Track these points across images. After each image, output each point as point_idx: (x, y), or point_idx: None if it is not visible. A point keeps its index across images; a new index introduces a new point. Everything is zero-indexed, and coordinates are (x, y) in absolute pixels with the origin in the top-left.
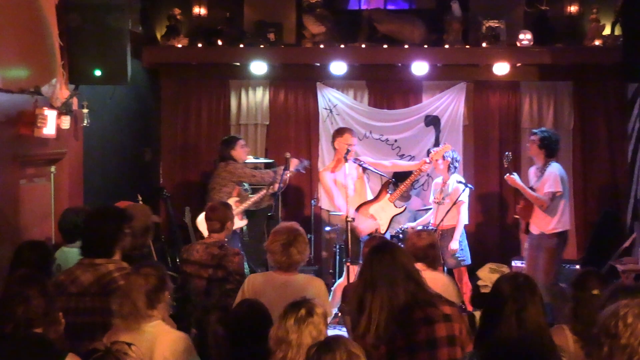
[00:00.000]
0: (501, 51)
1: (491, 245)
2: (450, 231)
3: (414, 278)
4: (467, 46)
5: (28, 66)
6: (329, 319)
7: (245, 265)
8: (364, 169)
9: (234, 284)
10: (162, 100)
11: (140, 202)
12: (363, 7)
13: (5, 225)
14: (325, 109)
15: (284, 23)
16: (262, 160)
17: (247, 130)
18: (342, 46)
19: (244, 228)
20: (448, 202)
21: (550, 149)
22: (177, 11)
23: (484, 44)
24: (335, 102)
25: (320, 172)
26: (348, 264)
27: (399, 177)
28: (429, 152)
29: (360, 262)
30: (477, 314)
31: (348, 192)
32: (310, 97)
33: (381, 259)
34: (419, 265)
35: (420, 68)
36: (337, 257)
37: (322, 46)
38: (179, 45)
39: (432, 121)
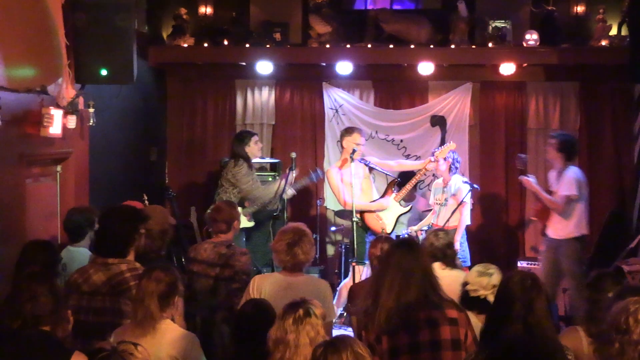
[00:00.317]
0: (507, 51)
1: (496, 245)
2: (452, 232)
3: (429, 279)
4: (473, 46)
5: (34, 65)
6: (335, 319)
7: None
8: (370, 169)
9: (240, 283)
10: (168, 99)
11: (147, 202)
12: (369, 7)
13: (11, 224)
14: (331, 108)
15: (290, 23)
16: (268, 160)
17: (253, 129)
18: (348, 46)
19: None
20: (452, 203)
21: (569, 152)
22: (183, 11)
23: (490, 44)
24: (341, 102)
25: (327, 170)
26: (354, 263)
27: (405, 177)
28: (433, 153)
29: (366, 262)
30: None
31: (354, 191)
32: (316, 97)
33: (404, 254)
34: (437, 265)
35: (426, 68)
36: (343, 257)
37: (328, 46)
38: (185, 45)
39: (438, 121)
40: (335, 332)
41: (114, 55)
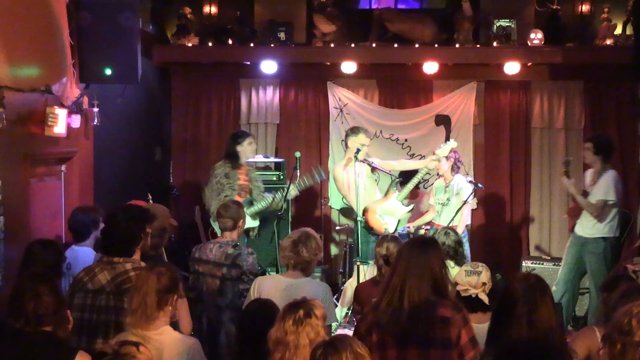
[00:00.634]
0: (512, 50)
1: (500, 245)
2: None
3: (438, 278)
4: (478, 45)
5: (39, 65)
6: (339, 319)
7: None
8: (373, 169)
9: (248, 283)
10: (173, 99)
11: (151, 202)
12: (374, 6)
13: (16, 223)
14: (336, 108)
15: (294, 22)
16: (272, 159)
17: (257, 129)
18: (353, 45)
19: (256, 229)
20: (455, 202)
21: (606, 153)
22: (187, 10)
23: (494, 44)
24: (346, 102)
25: (332, 168)
26: (358, 263)
27: (407, 177)
28: (434, 152)
29: (370, 261)
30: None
31: (359, 190)
32: (320, 96)
33: (414, 253)
34: (449, 263)
35: (430, 67)
36: (347, 256)
37: (332, 45)
38: (190, 44)
39: (443, 120)
40: (341, 332)
41: (119, 54)
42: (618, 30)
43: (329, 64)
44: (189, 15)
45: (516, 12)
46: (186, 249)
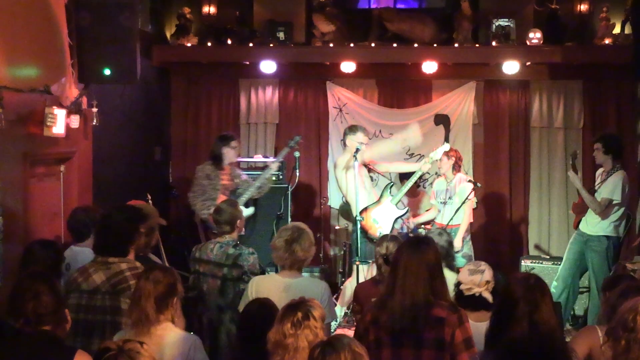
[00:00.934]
0: (511, 50)
1: (500, 244)
2: (456, 230)
3: (434, 278)
4: (477, 45)
5: (38, 65)
6: (338, 319)
7: None
8: (369, 169)
9: (248, 283)
10: (172, 99)
11: (150, 202)
12: (373, 5)
13: (15, 224)
14: (335, 107)
15: (293, 22)
16: (271, 159)
17: (257, 129)
18: (352, 45)
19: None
20: (457, 201)
21: (616, 152)
22: (186, 10)
23: (493, 43)
24: (345, 101)
25: (334, 165)
26: (358, 262)
27: (404, 177)
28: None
29: (370, 261)
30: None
31: (358, 189)
32: (320, 96)
33: (411, 253)
34: None
35: (430, 67)
36: (347, 256)
37: (331, 45)
38: (189, 44)
39: (442, 120)
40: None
41: (118, 54)
42: (617, 30)
43: (328, 63)
44: (188, 15)
45: (515, 12)
46: (186, 249)
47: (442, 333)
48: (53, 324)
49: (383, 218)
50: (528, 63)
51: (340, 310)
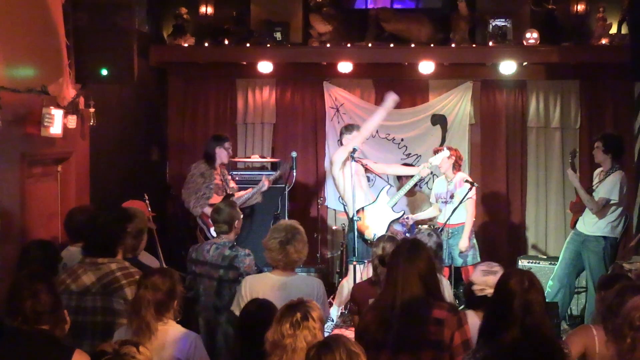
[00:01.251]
0: (508, 50)
1: (498, 244)
2: (460, 229)
3: (429, 280)
4: (474, 45)
5: (35, 65)
6: (335, 318)
7: None
8: (366, 169)
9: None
10: (169, 99)
11: (147, 202)
12: (370, 6)
13: (12, 224)
14: (332, 108)
15: (290, 22)
16: (269, 159)
17: (254, 129)
18: (349, 45)
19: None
20: (457, 200)
21: (615, 152)
22: (183, 10)
23: (490, 43)
24: (342, 101)
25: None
26: (354, 263)
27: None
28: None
29: (366, 261)
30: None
31: (355, 188)
32: (316, 96)
33: (405, 255)
34: None
35: (426, 67)
36: (343, 256)
37: (328, 45)
38: (186, 45)
39: (439, 120)
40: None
41: (115, 55)
42: (613, 30)
43: (325, 63)
44: (185, 16)
45: (512, 12)
46: (183, 249)
47: (442, 334)
48: (51, 324)
49: (378, 220)
50: (525, 63)
51: (336, 310)
